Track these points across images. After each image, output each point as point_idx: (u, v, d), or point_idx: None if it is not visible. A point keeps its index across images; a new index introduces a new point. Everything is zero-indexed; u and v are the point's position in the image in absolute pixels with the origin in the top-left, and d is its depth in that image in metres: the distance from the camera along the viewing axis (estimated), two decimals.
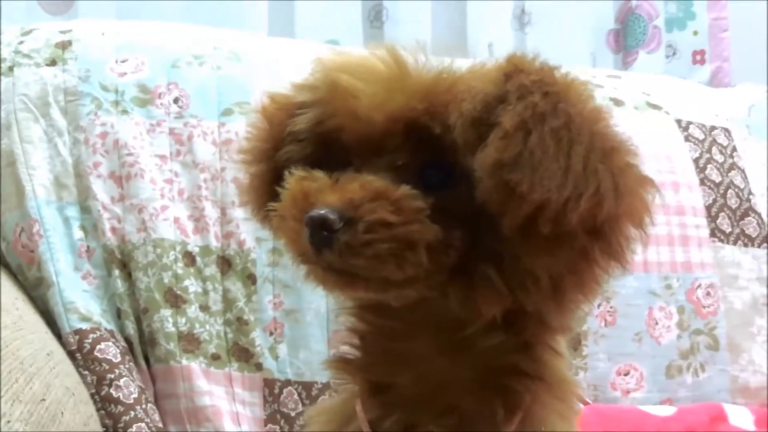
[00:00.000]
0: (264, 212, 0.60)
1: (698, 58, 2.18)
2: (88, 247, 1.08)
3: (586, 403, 0.63)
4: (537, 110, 0.51)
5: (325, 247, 0.52)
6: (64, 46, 1.16)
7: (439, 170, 0.54)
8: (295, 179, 0.55)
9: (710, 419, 1.15)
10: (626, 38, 2.16)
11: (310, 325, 1.10)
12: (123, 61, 1.17)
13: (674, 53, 2.18)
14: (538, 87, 0.51)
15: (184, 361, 1.05)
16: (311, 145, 0.58)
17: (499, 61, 0.55)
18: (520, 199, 0.49)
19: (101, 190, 1.09)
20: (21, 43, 1.17)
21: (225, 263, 1.10)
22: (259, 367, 1.08)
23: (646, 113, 1.36)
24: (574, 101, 0.52)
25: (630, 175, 0.53)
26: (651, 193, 0.54)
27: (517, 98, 0.51)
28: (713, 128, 1.40)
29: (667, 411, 1.16)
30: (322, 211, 0.51)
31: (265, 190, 0.60)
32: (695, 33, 2.19)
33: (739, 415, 1.18)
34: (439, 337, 0.57)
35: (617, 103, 1.36)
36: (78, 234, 1.08)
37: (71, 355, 1.00)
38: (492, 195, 0.50)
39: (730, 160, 1.37)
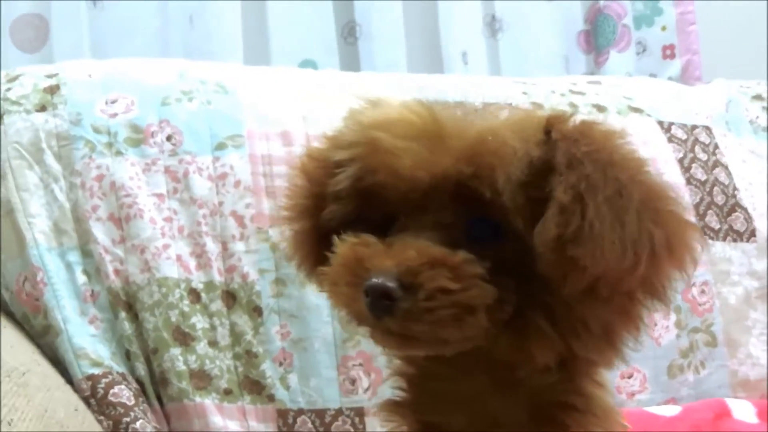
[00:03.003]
0: (311, 269, 0.62)
1: (668, 53, 2.22)
2: (92, 291, 1.08)
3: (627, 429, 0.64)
4: (590, 182, 0.52)
5: (386, 315, 0.53)
6: (53, 90, 1.16)
7: (485, 225, 0.55)
8: (347, 245, 0.56)
9: (715, 416, 1.17)
10: (597, 38, 2.19)
11: (319, 352, 1.11)
12: (113, 102, 1.17)
13: (644, 50, 2.22)
14: (587, 156, 0.53)
15: (197, 399, 1.05)
16: (352, 202, 0.59)
17: (538, 115, 0.57)
18: (582, 271, 0.51)
19: (101, 233, 1.09)
20: (8, 90, 1.17)
21: (230, 297, 1.11)
22: (271, 398, 1.08)
23: (628, 117, 1.39)
24: (617, 160, 0.54)
25: (677, 225, 0.55)
26: (695, 237, 0.55)
27: (566, 167, 0.53)
28: (694, 127, 1.42)
29: (672, 411, 1.18)
30: (383, 281, 0.52)
31: (311, 247, 0.62)
32: (663, 29, 2.22)
33: (742, 408, 1.21)
34: (492, 378, 0.58)
35: (600, 109, 1.38)
36: (81, 279, 1.08)
37: (86, 401, 1.00)
38: (554, 268, 0.52)
39: (714, 158, 1.39)
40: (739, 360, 1.27)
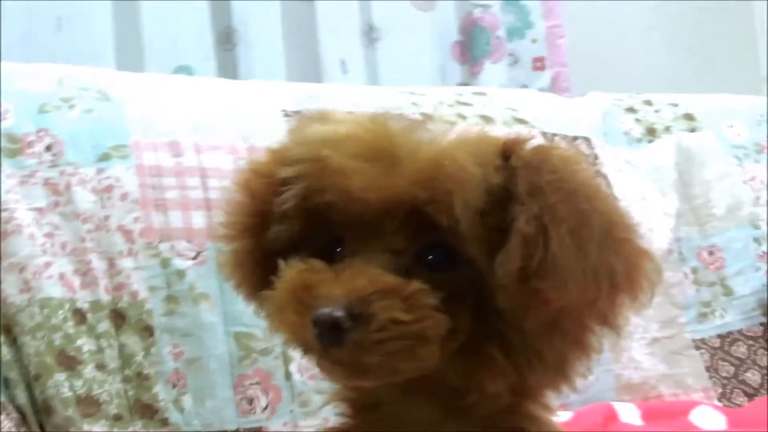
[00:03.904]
0: (251, 291, 0.58)
1: (538, 64, 2.29)
2: None
3: None
4: (554, 212, 0.51)
5: (335, 346, 0.51)
6: None
7: (439, 252, 0.53)
8: (294, 271, 0.53)
9: (604, 419, 1.21)
10: (471, 49, 2.23)
11: (214, 372, 1.07)
12: None
13: (516, 61, 2.28)
14: (549, 185, 0.52)
15: (86, 427, 0.99)
16: (298, 222, 0.56)
17: (493, 137, 0.55)
18: (545, 304, 0.50)
19: None
20: None
21: (118, 317, 1.05)
22: (165, 422, 1.03)
23: (514, 128, 1.41)
24: (578, 189, 0.53)
25: (635, 254, 0.54)
26: (652, 267, 0.55)
27: (528, 196, 0.51)
28: (576, 138, 1.46)
29: (564, 416, 1.20)
30: (331, 311, 0.50)
31: (252, 268, 0.58)
32: (534, 41, 2.29)
33: (628, 411, 1.25)
34: (441, 404, 0.57)
35: (487, 120, 1.40)
36: None
37: None
38: (516, 300, 0.50)
39: (594, 168, 1.44)
40: (623, 364, 1.32)
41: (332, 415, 1.05)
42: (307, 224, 0.56)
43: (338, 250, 0.55)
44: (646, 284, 0.54)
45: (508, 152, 0.54)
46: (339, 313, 0.50)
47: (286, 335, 0.55)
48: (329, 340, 0.51)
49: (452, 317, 0.52)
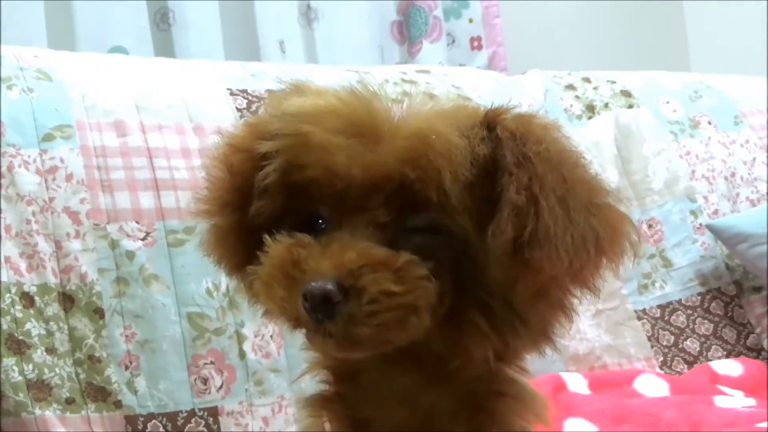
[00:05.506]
0: (234, 267, 0.58)
1: (475, 44, 2.31)
2: None
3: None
4: (543, 183, 0.51)
5: (327, 319, 0.51)
6: None
7: (423, 221, 0.54)
8: (282, 246, 0.53)
9: (553, 390, 1.23)
10: (409, 29, 2.23)
11: (167, 353, 1.06)
12: None
13: (453, 41, 2.29)
14: (537, 155, 0.52)
15: (38, 411, 0.97)
16: (280, 197, 0.55)
17: (471, 108, 0.55)
18: (537, 273, 0.50)
19: None
20: None
21: (67, 300, 1.03)
22: (118, 404, 1.02)
23: None
24: (563, 159, 0.53)
25: (617, 219, 0.55)
26: (633, 230, 0.56)
27: (516, 166, 0.52)
28: None
29: None
30: (322, 284, 0.50)
31: (234, 244, 0.57)
32: (470, 21, 2.31)
33: (575, 381, 1.28)
34: (424, 371, 0.57)
35: (432, 98, 1.40)
36: None
37: None
38: (509, 271, 0.51)
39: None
40: (570, 336, 1.34)
41: (287, 392, 1.06)
42: (288, 198, 0.56)
43: (320, 222, 0.55)
44: (629, 247, 0.55)
45: (492, 123, 0.54)
46: (330, 287, 0.50)
47: (275, 310, 0.54)
48: (321, 313, 0.50)
49: (439, 283, 0.52)
